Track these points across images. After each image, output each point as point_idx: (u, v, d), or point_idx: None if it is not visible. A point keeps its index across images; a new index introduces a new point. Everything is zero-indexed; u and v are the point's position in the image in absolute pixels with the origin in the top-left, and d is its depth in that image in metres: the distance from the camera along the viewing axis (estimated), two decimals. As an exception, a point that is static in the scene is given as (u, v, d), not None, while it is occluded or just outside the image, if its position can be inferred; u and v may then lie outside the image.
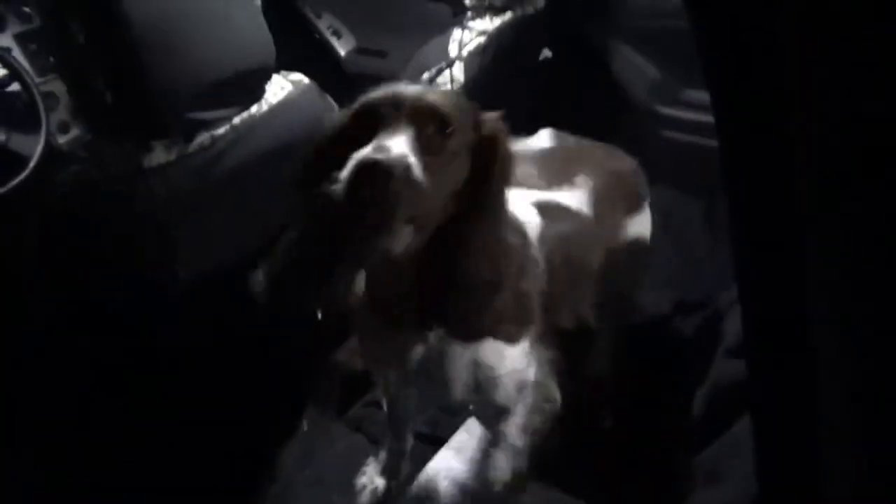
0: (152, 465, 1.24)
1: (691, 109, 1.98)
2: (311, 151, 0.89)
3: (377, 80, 2.27)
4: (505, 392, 1.09)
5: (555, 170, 1.21)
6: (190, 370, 1.32)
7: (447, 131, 0.83)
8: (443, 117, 0.83)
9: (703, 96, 1.95)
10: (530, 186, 1.17)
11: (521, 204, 1.09)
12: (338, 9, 2.51)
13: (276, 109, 1.18)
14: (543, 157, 1.28)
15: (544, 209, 1.10)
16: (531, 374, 1.11)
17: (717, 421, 1.04)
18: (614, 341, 1.52)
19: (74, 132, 1.78)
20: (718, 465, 1.04)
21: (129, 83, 0.94)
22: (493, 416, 1.17)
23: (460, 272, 0.88)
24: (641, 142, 1.77)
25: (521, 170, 1.16)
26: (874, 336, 0.42)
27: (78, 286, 0.99)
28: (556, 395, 1.16)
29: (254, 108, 1.15)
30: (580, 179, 1.22)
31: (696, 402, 1.26)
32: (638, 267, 1.41)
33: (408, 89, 0.87)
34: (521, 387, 1.11)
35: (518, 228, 1.04)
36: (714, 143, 1.63)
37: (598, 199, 1.20)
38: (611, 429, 1.47)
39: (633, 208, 1.32)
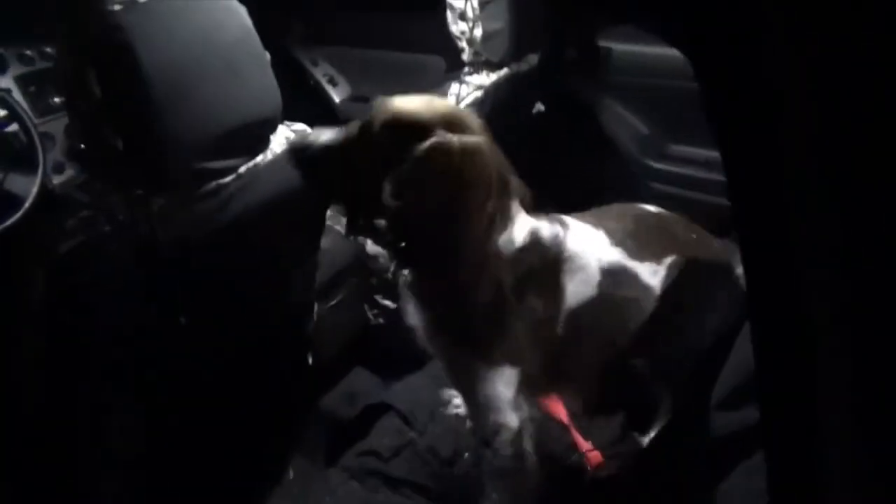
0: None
1: (677, 163, 2.05)
2: None
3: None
4: (478, 418, 1.18)
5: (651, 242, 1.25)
6: (178, 410, 1.30)
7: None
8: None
9: (688, 151, 2.03)
10: (617, 245, 1.21)
11: (589, 257, 1.15)
12: (334, 57, 2.58)
13: (279, 159, 1.20)
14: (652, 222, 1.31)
15: (610, 272, 1.16)
16: (511, 418, 1.15)
17: (715, 471, 1.06)
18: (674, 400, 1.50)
19: (69, 173, 1.79)
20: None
21: (143, 133, 0.96)
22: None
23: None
24: (630, 193, 1.81)
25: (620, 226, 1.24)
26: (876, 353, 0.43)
27: (80, 328, 0.98)
28: (530, 457, 1.18)
29: (259, 158, 1.17)
30: (670, 259, 1.24)
31: (690, 453, 1.27)
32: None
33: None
34: (496, 424, 1.15)
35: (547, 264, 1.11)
36: (699, 195, 1.69)
37: (679, 284, 1.22)
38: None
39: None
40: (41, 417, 1.02)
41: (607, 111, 2.04)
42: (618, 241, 1.20)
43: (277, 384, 1.57)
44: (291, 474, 1.64)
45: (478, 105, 1.68)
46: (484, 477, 1.26)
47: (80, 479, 1.11)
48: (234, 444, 1.42)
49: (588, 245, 1.16)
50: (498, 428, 1.15)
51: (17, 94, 1.72)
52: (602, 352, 1.23)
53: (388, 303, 1.86)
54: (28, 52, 1.80)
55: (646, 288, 1.21)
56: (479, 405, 1.16)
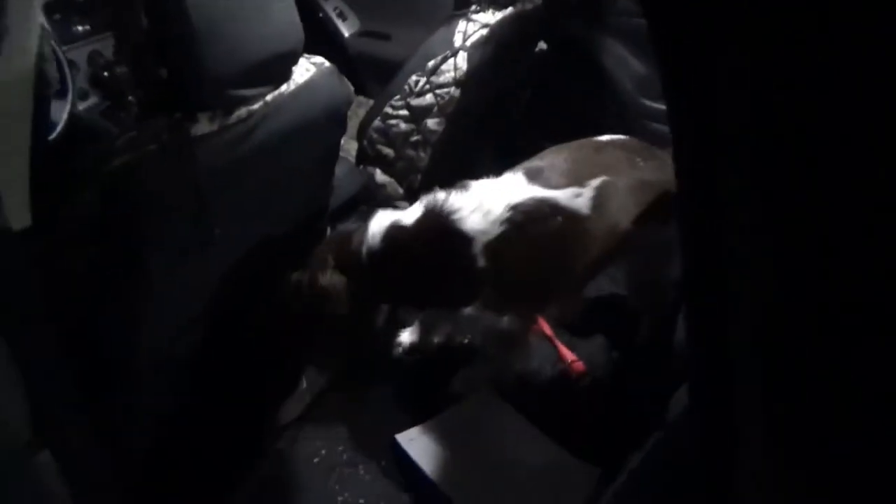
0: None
1: (673, 104, 2.14)
2: None
3: (380, 61, 2.38)
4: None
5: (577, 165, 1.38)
6: (213, 328, 1.43)
7: None
8: None
9: (684, 92, 2.11)
10: (538, 179, 1.36)
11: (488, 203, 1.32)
12: (344, -8, 2.62)
13: (301, 89, 1.32)
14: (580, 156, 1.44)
15: (524, 208, 1.31)
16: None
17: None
18: (652, 323, 1.68)
19: (93, 99, 1.89)
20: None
21: (185, 62, 1.07)
22: None
23: None
24: (629, 132, 1.92)
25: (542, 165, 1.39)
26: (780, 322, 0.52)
27: (134, 242, 1.12)
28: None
29: (283, 87, 1.28)
30: (593, 181, 1.35)
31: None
32: (661, 255, 1.51)
33: None
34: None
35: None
36: None
37: (606, 201, 1.33)
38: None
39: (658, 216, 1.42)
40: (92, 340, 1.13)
41: (608, 51, 2.11)
42: (535, 178, 1.34)
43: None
44: (304, 384, 1.81)
45: (483, 42, 1.77)
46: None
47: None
48: (250, 358, 1.56)
49: (488, 194, 1.33)
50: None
51: (43, 22, 1.80)
52: (551, 273, 1.37)
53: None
54: (51, -22, 1.87)
55: (569, 209, 1.32)
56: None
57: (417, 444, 1.50)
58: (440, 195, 1.35)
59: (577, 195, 1.33)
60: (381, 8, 2.59)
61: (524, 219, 1.30)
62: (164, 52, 1.06)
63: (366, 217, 2.00)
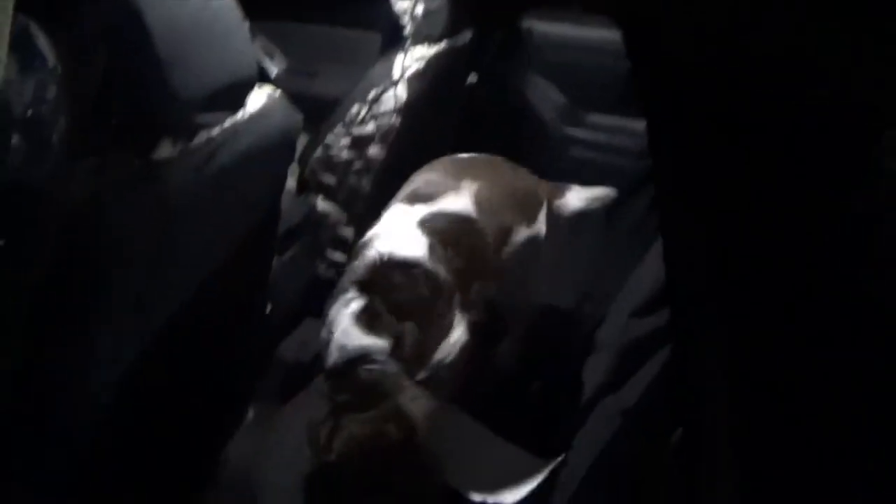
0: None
1: (592, 130, 2.32)
2: None
3: (308, 98, 2.43)
4: None
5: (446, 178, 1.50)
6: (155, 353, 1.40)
7: None
8: None
9: (602, 119, 2.30)
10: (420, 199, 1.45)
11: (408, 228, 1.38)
12: (270, 32, 2.67)
13: (256, 116, 1.36)
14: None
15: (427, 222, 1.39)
16: None
17: (633, 364, 1.32)
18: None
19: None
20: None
21: (150, 86, 1.09)
22: None
23: None
24: (551, 158, 2.06)
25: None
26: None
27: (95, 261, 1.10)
28: None
29: (239, 114, 1.32)
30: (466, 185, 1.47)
31: (604, 357, 1.50)
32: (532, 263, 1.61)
33: None
34: None
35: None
36: (612, 159, 2.01)
37: (483, 201, 1.45)
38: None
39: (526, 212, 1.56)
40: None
41: (530, 83, 2.28)
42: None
43: (238, 331, 1.70)
44: (251, 416, 1.78)
45: (421, 74, 1.88)
46: None
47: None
48: (196, 389, 1.54)
49: None
50: None
51: None
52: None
53: (337, 256, 2.03)
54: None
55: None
56: None
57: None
58: None
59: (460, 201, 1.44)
60: (307, 46, 2.66)
61: None
62: (126, 80, 1.07)
63: (308, 246, 2.04)
